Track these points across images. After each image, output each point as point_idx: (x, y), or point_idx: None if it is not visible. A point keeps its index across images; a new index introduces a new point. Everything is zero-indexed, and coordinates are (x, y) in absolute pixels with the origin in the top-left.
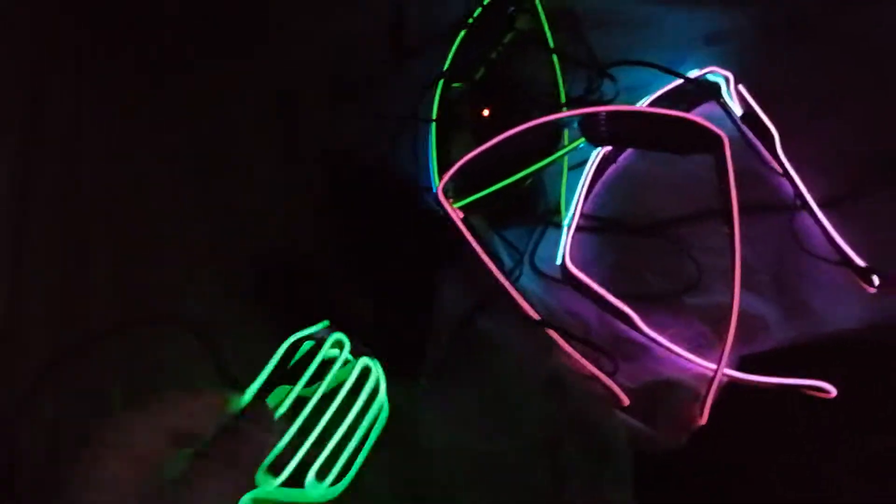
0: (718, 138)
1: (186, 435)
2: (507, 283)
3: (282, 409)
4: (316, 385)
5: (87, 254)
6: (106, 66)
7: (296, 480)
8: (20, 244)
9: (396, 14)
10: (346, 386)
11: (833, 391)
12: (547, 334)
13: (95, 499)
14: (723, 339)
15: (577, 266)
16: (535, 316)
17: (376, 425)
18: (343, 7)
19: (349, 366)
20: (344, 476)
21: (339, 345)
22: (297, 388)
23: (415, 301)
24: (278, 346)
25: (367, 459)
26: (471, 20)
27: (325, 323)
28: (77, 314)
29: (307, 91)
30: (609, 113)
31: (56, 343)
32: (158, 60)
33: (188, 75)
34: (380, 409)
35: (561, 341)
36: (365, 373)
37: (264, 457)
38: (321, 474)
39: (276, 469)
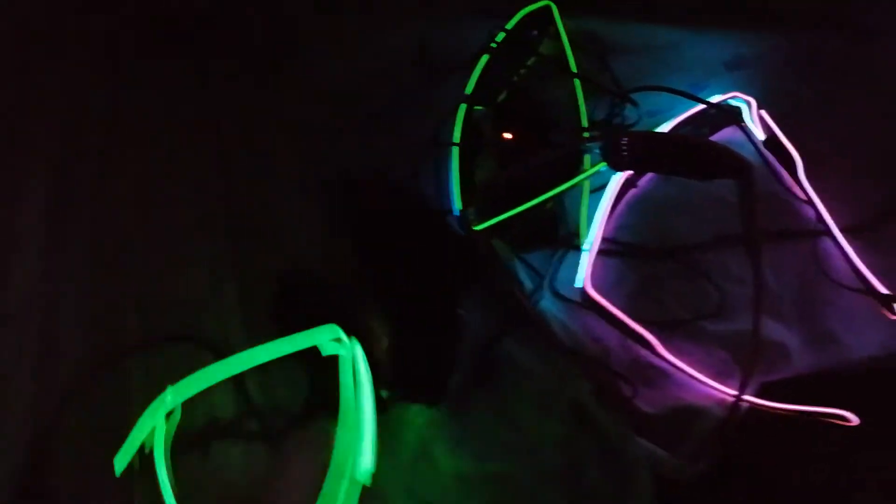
0: (745, 165)
1: None
2: (528, 308)
3: None
4: None
5: (115, 271)
6: (137, 92)
7: None
8: (54, 259)
9: (423, 39)
10: None
11: (854, 419)
12: (569, 359)
13: None
14: (744, 366)
15: (598, 290)
16: (556, 342)
17: None
18: (369, 33)
19: None
20: None
21: None
22: None
23: (437, 325)
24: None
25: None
26: (493, 44)
27: None
28: (106, 328)
29: (332, 115)
30: (631, 138)
31: (86, 356)
32: (187, 84)
33: (215, 98)
34: None
35: (581, 367)
36: None
37: None
38: None
39: None
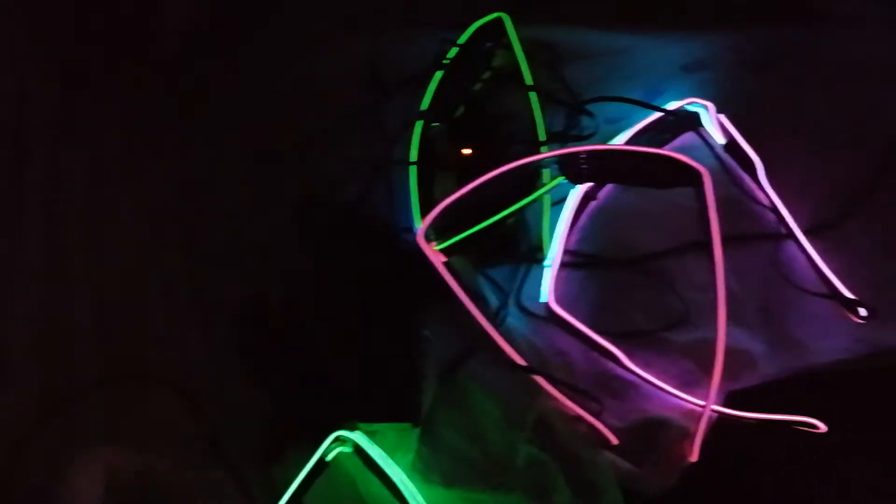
0: (698, 173)
1: None
2: (489, 328)
3: None
4: None
5: (70, 302)
6: (85, 121)
7: None
8: (5, 291)
9: (372, 56)
10: None
11: (822, 426)
12: (533, 377)
13: None
14: (710, 376)
15: (562, 304)
16: (520, 361)
17: None
18: (318, 50)
19: None
20: None
21: None
22: None
23: (402, 346)
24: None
25: None
26: (446, 60)
27: None
28: (61, 363)
29: (285, 136)
30: (588, 152)
31: (41, 393)
32: (139, 113)
33: (168, 124)
34: None
35: (546, 385)
36: None
37: None
38: None
39: None
